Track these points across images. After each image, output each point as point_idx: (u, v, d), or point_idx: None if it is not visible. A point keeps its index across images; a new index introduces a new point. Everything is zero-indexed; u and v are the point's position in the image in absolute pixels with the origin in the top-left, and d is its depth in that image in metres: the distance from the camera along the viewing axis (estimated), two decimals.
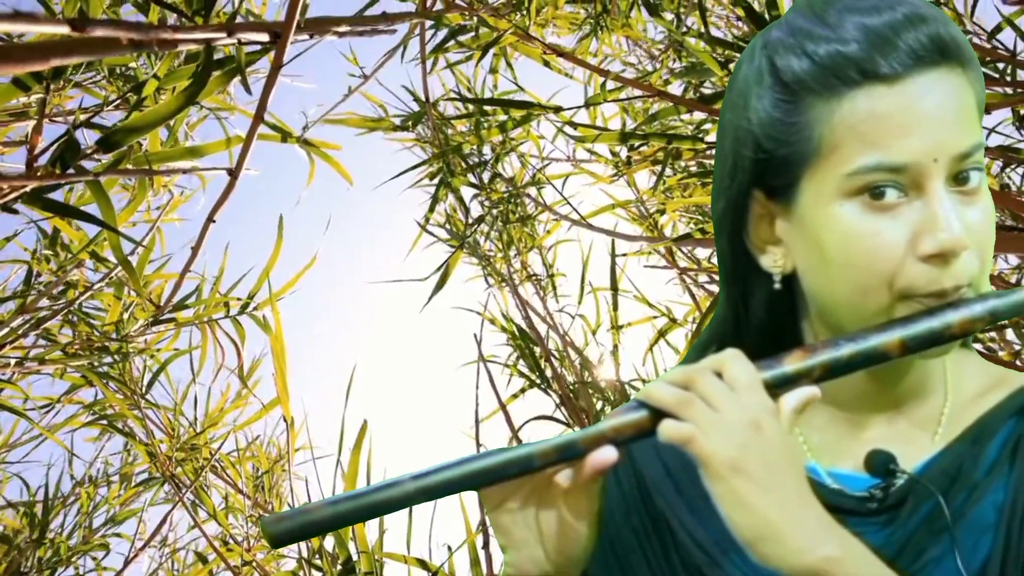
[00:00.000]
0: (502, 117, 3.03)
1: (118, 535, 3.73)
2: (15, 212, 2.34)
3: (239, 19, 2.75)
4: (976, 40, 2.15)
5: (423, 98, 3.28)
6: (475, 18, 2.68)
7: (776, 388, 0.77)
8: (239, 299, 2.86)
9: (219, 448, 3.26)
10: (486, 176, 3.46)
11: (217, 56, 1.93)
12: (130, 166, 2.15)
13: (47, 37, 1.67)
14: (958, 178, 0.78)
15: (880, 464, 0.83)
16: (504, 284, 3.52)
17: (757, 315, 0.89)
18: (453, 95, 3.32)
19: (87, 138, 2.27)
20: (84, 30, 1.40)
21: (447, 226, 3.58)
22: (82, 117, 2.39)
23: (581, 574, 0.83)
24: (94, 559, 3.64)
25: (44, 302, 2.86)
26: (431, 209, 3.38)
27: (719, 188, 0.87)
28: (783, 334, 0.88)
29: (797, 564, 0.71)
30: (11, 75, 1.64)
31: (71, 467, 3.68)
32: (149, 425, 3.17)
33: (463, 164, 3.31)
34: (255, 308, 2.81)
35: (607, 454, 0.76)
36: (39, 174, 1.91)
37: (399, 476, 0.76)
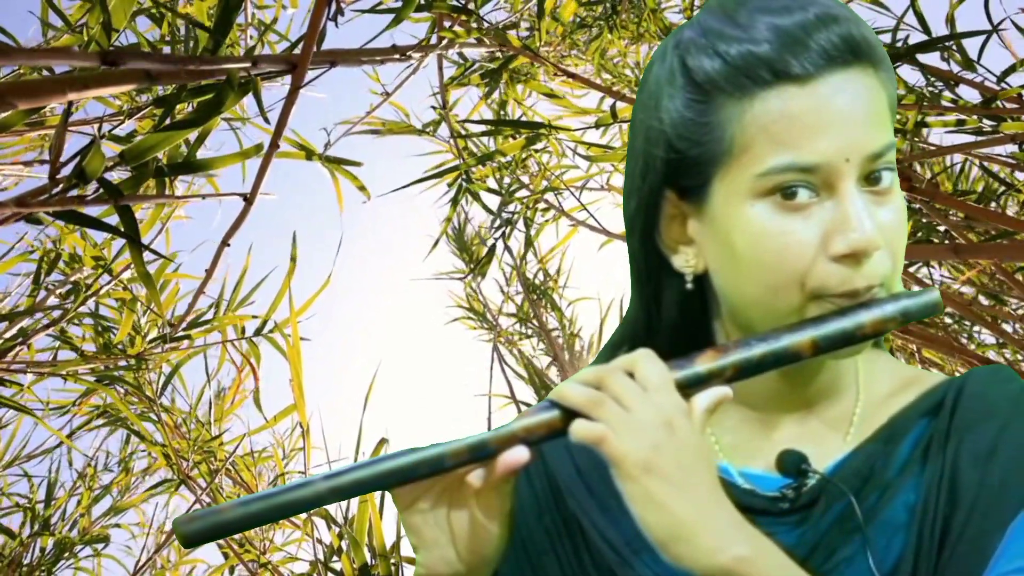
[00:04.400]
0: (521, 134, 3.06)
1: (118, 525, 3.77)
2: (39, 223, 2.39)
3: (253, 31, 2.80)
4: (988, 83, 2.19)
5: (440, 106, 3.30)
6: (488, 43, 2.71)
7: (688, 388, 0.77)
8: (254, 316, 2.90)
9: (234, 451, 3.30)
10: (506, 182, 3.49)
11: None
12: (151, 180, 2.19)
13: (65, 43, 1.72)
14: (870, 178, 0.78)
15: (792, 464, 0.83)
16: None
17: (669, 315, 0.88)
18: (468, 117, 3.35)
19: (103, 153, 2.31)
20: (115, 64, 1.45)
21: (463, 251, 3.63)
22: (103, 128, 2.44)
23: (493, 574, 0.82)
24: (95, 550, 3.67)
25: (53, 300, 2.90)
26: (449, 217, 3.41)
27: (631, 188, 0.86)
28: (695, 334, 0.88)
29: (709, 564, 0.71)
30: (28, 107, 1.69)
31: (70, 455, 3.72)
32: (165, 428, 3.21)
33: (481, 167, 3.33)
34: (272, 330, 2.83)
35: (519, 454, 0.76)
36: (61, 187, 1.96)
37: (311, 476, 0.75)
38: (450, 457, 0.75)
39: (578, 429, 0.75)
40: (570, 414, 0.76)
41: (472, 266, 3.87)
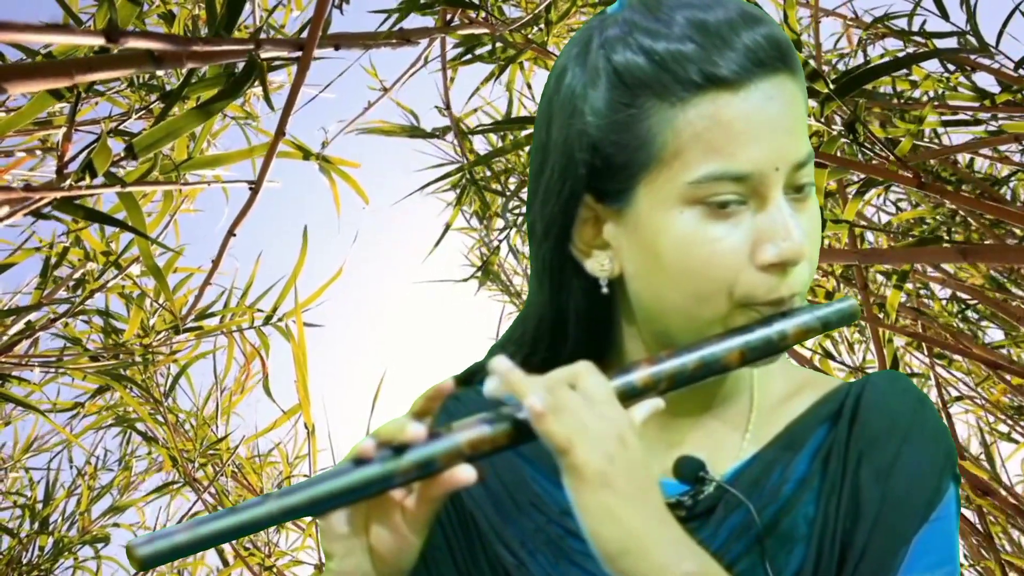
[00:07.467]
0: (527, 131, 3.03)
1: (118, 524, 3.75)
2: (47, 218, 2.38)
3: (261, 34, 2.80)
4: (1005, 70, 2.16)
5: (444, 107, 3.28)
6: (493, 33, 2.70)
7: (624, 401, 0.76)
8: (262, 311, 2.87)
9: (235, 450, 3.28)
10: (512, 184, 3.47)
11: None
12: (158, 173, 2.19)
13: (75, 49, 1.71)
14: (793, 186, 0.78)
15: (689, 471, 0.82)
16: None
17: (573, 318, 0.86)
18: (474, 121, 3.33)
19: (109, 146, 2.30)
20: (118, 42, 1.44)
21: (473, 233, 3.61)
22: (110, 126, 2.43)
23: None
24: (95, 548, 3.65)
25: (61, 293, 2.89)
26: (449, 223, 3.40)
27: (547, 191, 0.82)
28: (598, 337, 0.87)
29: None
30: (35, 92, 1.68)
31: (70, 452, 3.69)
32: (171, 430, 3.20)
33: (487, 171, 3.30)
34: (280, 319, 2.80)
35: (465, 474, 0.73)
36: (69, 181, 1.95)
37: (263, 496, 0.73)
38: (399, 475, 0.73)
39: (548, 428, 0.72)
40: (518, 429, 0.74)
41: (482, 235, 3.84)
